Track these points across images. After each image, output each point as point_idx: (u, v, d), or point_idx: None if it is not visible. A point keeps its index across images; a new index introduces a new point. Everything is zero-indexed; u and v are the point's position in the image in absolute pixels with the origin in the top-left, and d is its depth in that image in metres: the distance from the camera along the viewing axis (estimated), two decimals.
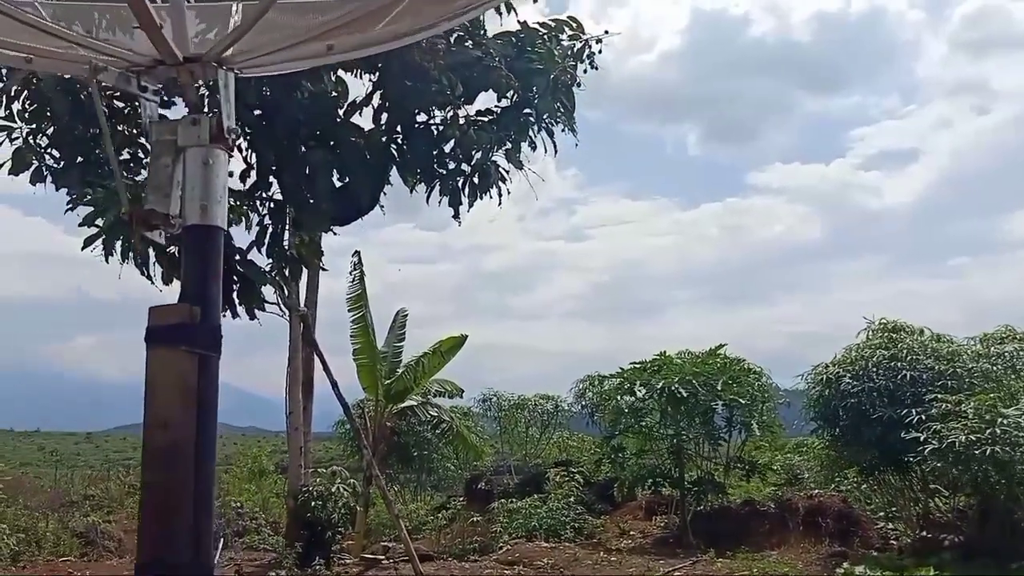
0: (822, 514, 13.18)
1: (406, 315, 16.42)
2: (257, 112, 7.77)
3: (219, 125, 2.06)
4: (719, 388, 14.12)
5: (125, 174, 7.27)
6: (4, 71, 7.79)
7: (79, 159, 7.94)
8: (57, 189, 7.87)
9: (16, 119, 7.85)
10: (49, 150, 8.05)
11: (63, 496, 23.92)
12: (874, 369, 12.52)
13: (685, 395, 13.81)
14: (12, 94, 7.84)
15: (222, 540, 19.67)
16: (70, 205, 7.63)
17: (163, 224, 2.09)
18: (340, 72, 8.12)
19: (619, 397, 15.65)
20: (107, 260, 7.47)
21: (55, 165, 8.01)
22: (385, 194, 8.81)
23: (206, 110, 2.12)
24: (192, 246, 2.03)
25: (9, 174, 7.85)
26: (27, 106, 7.91)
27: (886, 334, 13.46)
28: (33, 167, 7.93)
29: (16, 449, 63.74)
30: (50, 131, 8.04)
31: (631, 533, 15.55)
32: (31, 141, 7.93)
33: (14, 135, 7.87)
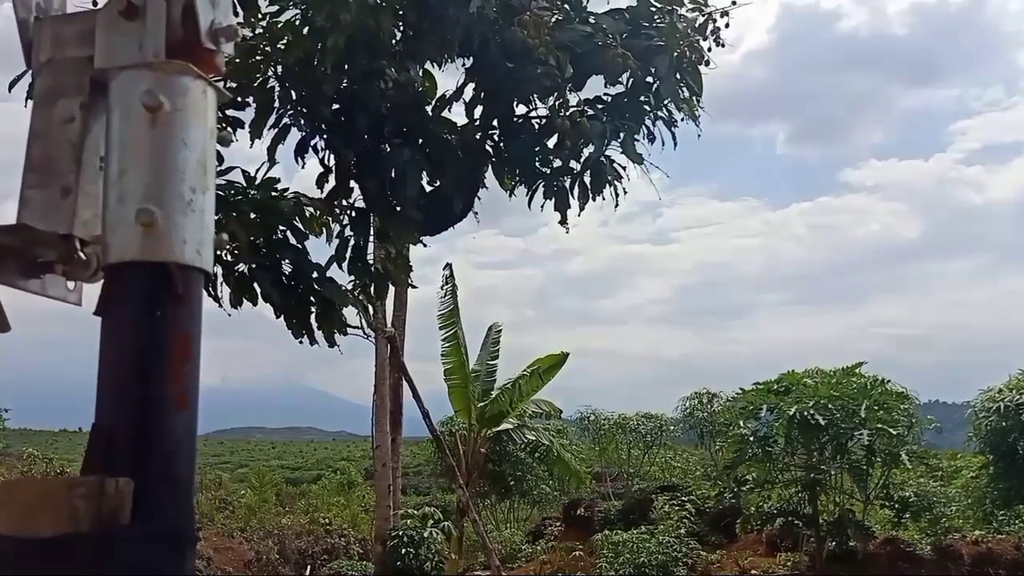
0: (993, 563, 11.24)
1: (500, 331, 15.19)
2: (335, 107, 6.72)
3: (190, 14, 0.83)
4: (862, 414, 12.28)
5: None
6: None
7: None
8: None
9: None
10: None
11: None
12: None
13: (823, 422, 12.05)
14: None
15: (310, 566, 19.00)
16: None
17: (61, 259, 0.86)
18: (428, 66, 7.00)
19: (741, 423, 13.97)
20: None
21: None
22: (480, 199, 7.64)
23: None
24: (125, 313, 0.80)
25: None
26: None
27: None
28: None
29: None
30: None
31: (753, 573, 13.88)
32: None
33: None
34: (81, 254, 0.86)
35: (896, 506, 13.77)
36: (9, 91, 6.69)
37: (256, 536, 22.00)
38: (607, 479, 21.01)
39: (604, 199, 7.58)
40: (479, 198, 7.57)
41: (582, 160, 7.30)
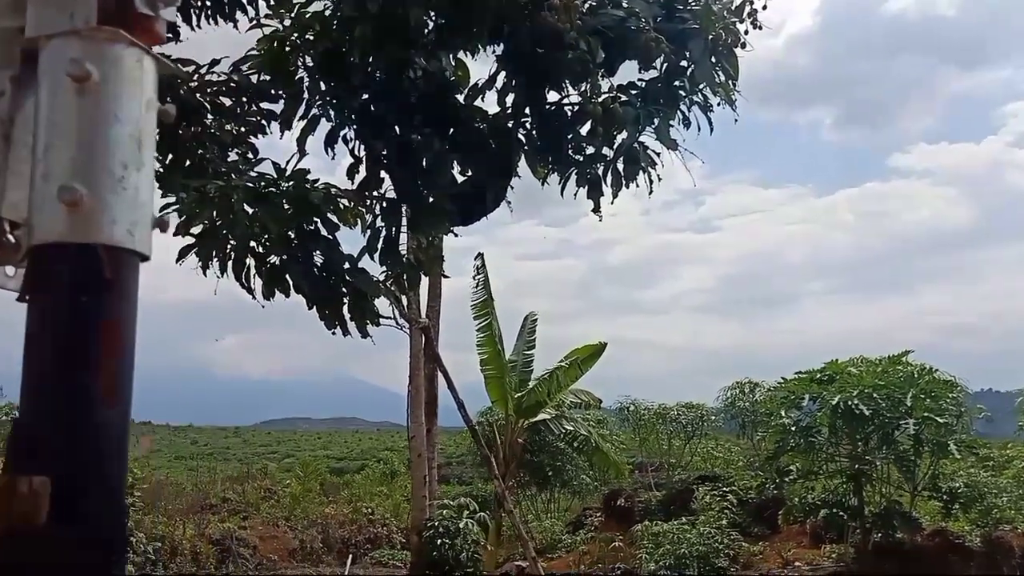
0: None
1: (536, 320, 15.14)
2: (364, 97, 6.70)
3: None
4: (909, 404, 11.95)
5: (234, 176, 6.38)
6: None
7: (187, 162, 7.16)
8: (163, 195, 7.10)
9: None
10: (154, 153, 7.29)
11: (203, 499, 24.35)
12: None
13: (867, 412, 11.76)
14: None
15: (351, 555, 19.19)
16: (160, 213, 6.72)
17: None
18: (461, 54, 6.92)
19: (782, 412, 13.69)
20: (204, 273, 6.58)
21: (160, 169, 7.23)
22: (512, 188, 7.54)
23: None
24: (49, 299, 0.74)
25: None
26: None
27: None
28: None
29: (172, 443, 67.85)
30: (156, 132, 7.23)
31: (796, 565, 13.64)
32: None
33: None
34: (10, 236, 0.81)
35: (944, 497, 13.39)
36: None
37: (300, 525, 22.32)
38: (649, 469, 20.86)
39: (638, 186, 7.44)
40: (512, 187, 7.49)
41: (615, 147, 7.18)
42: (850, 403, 12.00)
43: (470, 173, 7.12)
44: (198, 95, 6.83)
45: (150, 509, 19.34)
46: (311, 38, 6.41)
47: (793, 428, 13.20)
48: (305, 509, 23.85)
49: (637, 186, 7.38)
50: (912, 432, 12.08)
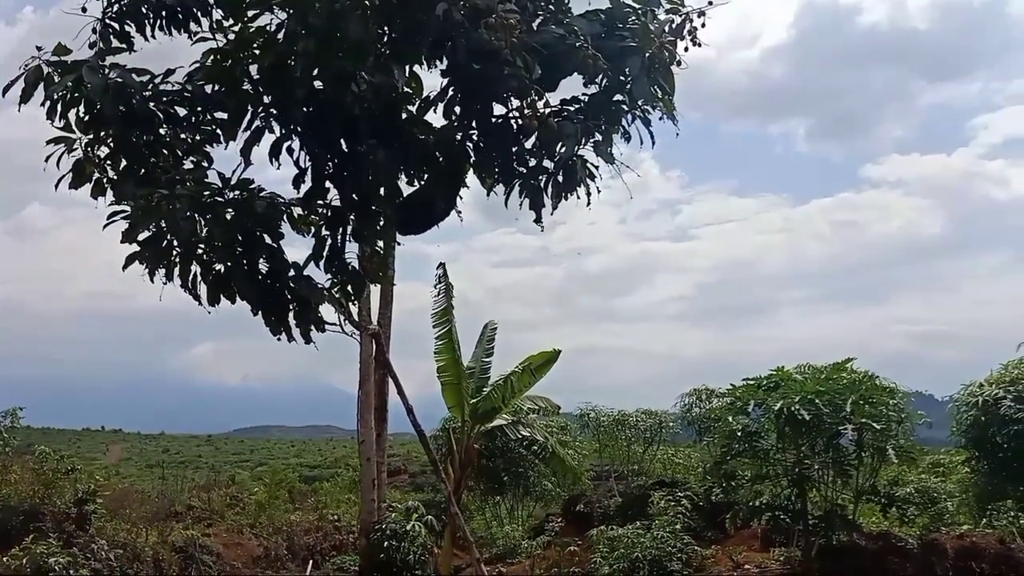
0: (976, 557, 11.33)
1: (495, 328, 15.39)
2: (308, 109, 6.89)
3: None
4: (848, 409, 12.33)
5: (189, 183, 6.54)
6: (55, 76, 7.18)
7: (141, 170, 7.31)
8: (118, 202, 7.26)
9: (74, 129, 7.28)
10: (108, 161, 7.46)
11: (169, 506, 24.24)
12: None
13: (808, 417, 12.12)
14: (68, 100, 7.24)
15: (312, 562, 19.26)
16: (109, 220, 6.92)
17: None
18: (416, 68, 7.14)
19: (730, 418, 14.03)
20: (151, 279, 6.75)
21: (114, 176, 7.39)
22: (461, 198, 7.78)
23: None
24: None
25: (70, 188, 7.30)
26: (81, 115, 7.33)
27: None
28: (94, 179, 7.33)
29: (143, 452, 67.09)
30: (109, 141, 7.41)
31: (746, 567, 13.96)
32: (90, 152, 7.35)
33: (73, 147, 7.29)
34: None
35: (883, 501, 13.78)
36: (3, 95, 6.95)
37: (265, 532, 22.28)
38: (612, 476, 21.15)
39: (579, 198, 7.70)
40: (461, 197, 7.73)
41: (555, 159, 7.43)
42: (792, 408, 12.36)
43: (419, 184, 7.35)
44: (151, 104, 6.97)
45: (112, 516, 19.28)
46: (256, 51, 6.59)
47: (739, 433, 13.55)
48: (271, 516, 23.81)
49: (578, 198, 7.65)
50: (851, 437, 12.47)
